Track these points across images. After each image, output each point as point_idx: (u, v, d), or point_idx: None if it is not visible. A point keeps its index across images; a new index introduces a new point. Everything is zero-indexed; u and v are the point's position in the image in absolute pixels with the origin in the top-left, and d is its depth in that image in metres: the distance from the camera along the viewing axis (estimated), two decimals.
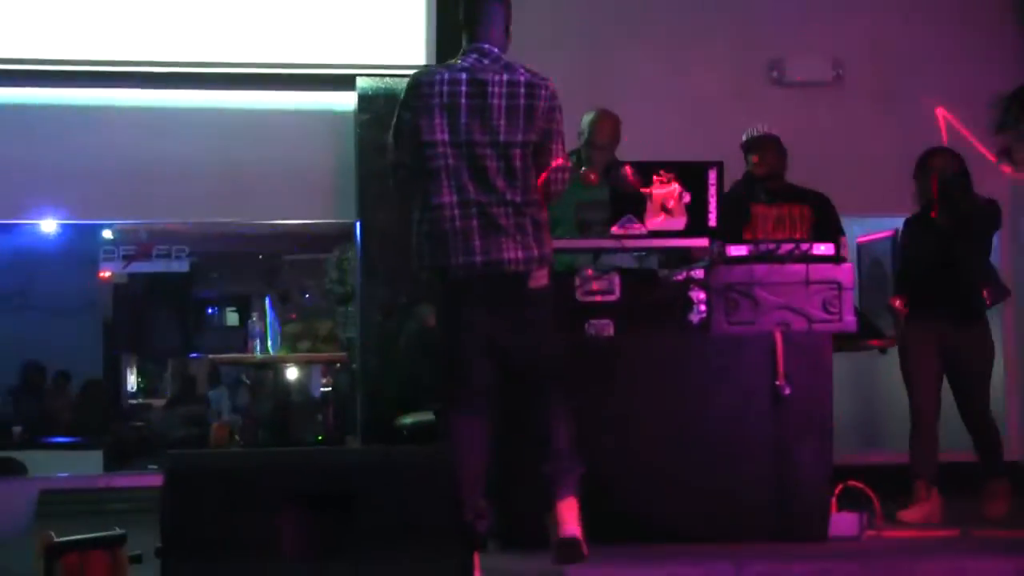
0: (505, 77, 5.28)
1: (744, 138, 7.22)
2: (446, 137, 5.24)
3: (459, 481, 4.43)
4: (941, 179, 6.90)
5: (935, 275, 6.97)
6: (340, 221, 8.77)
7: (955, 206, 6.85)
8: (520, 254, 5.23)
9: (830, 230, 6.74)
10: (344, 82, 8.50)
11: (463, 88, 5.24)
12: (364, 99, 8.48)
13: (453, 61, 5.40)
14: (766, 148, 7.15)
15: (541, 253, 5.30)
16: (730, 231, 6.15)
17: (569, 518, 5.28)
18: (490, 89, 5.25)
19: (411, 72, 7.94)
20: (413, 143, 5.33)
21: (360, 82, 8.48)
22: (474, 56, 5.33)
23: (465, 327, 5.34)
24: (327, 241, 10.92)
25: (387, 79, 8.44)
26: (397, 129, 5.44)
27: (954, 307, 6.93)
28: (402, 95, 5.45)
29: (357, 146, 8.52)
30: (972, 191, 7.00)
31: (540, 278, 5.31)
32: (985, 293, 6.92)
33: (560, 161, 5.38)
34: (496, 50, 5.34)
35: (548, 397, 5.38)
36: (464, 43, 5.42)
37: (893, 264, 6.94)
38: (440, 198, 5.24)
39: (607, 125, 6.74)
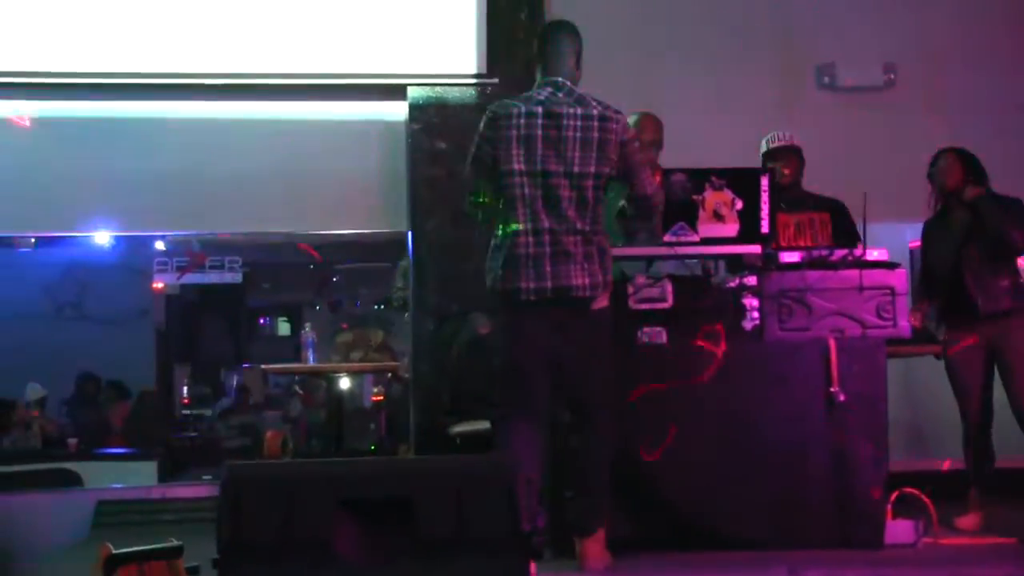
0: (579, 111, 5.45)
1: (765, 147, 7.10)
2: (523, 167, 5.43)
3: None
4: (976, 204, 6.80)
5: (958, 277, 6.90)
6: (392, 231, 8.77)
7: (991, 228, 6.76)
8: (586, 280, 5.42)
9: (847, 236, 6.67)
10: (396, 92, 8.55)
11: (539, 120, 5.42)
12: (415, 108, 8.53)
13: (529, 94, 5.55)
14: (791, 157, 7.06)
15: (605, 279, 5.48)
16: None
17: (592, 553, 5.44)
18: (565, 122, 5.42)
19: (462, 81, 8.38)
20: (492, 172, 5.49)
21: (412, 91, 8.54)
22: (549, 90, 5.50)
23: (528, 341, 5.49)
24: (379, 250, 11.00)
25: (438, 88, 8.54)
26: (476, 158, 5.56)
27: (985, 306, 6.84)
28: (481, 127, 5.57)
29: (409, 155, 8.55)
30: (1000, 210, 6.85)
31: (602, 300, 5.49)
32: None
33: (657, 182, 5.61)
34: (569, 83, 5.52)
35: (593, 424, 5.52)
36: (538, 76, 5.60)
37: None
38: (516, 224, 5.43)
39: (650, 124, 6.73)
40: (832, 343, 6.08)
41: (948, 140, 8.18)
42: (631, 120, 6.61)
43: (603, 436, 5.52)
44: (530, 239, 5.41)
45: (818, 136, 7.62)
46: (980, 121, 8.62)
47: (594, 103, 5.49)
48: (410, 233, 8.54)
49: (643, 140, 6.37)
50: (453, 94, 8.55)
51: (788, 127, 7.25)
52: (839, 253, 6.13)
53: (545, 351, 5.48)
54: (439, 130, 8.53)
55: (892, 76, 8.84)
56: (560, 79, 5.52)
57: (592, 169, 5.44)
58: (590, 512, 5.48)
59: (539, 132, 5.41)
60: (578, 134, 5.43)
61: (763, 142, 7.11)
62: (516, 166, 5.42)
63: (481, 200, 5.55)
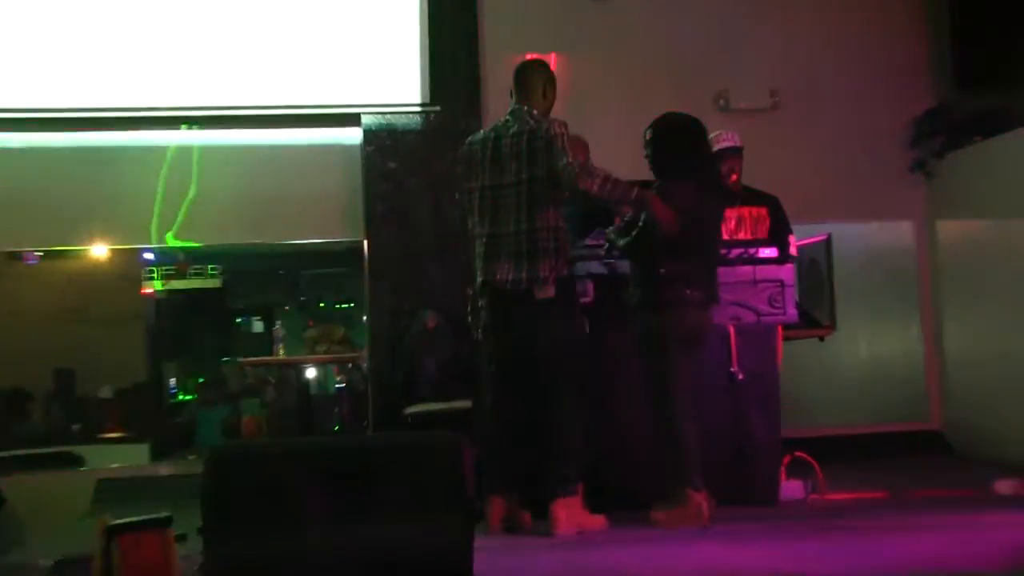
0: (515, 129, 5.53)
1: (715, 147, 6.55)
2: (477, 184, 5.60)
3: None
4: None
5: None
6: (350, 240, 8.69)
7: None
8: (524, 274, 5.40)
9: (782, 228, 6.66)
10: (351, 119, 8.56)
11: (490, 144, 5.58)
12: (369, 133, 8.54)
13: (499, 120, 5.69)
14: (737, 159, 6.77)
15: (546, 273, 5.39)
16: None
17: (561, 517, 5.31)
18: (504, 142, 5.54)
19: (408, 109, 8.44)
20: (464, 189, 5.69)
21: (365, 119, 8.54)
22: (507, 117, 5.62)
23: (492, 327, 5.56)
24: (339, 258, 10.83)
25: (388, 115, 8.54)
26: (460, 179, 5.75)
27: None
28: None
29: (364, 174, 8.52)
30: None
31: (547, 291, 5.39)
32: None
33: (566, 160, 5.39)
34: (525, 108, 5.57)
35: (551, 397, 5.43)
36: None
37: (828, 263, 6.81)
38: (475, 229, 5.62)
39: (578, 145, 6.31)
40: (731, 329, 6.11)
41: (823, 153, 8.51)
42: None
43: (561, 410, 5.41)
44: (484, 241, 5.54)
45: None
46: (850, 141, 8.74)
47: (531, 121, 5.51)
48: (365, 242, 8.50)
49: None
50: (401, 120, 8.56)
51: None
52: (735, 251, 6.10)
53: (501, 336, 5.53)
54: (390, 152, 8.53)
55: (776, 99, 8.81)
56: (518, 106, 5.59)
57: (525, 176, 5.46)
58: (555, 478, 5.35)
59: (489, 154, 5.56)
60: (515, 149, 5.49)
61: (714, 135, 6.59)
62: (474, 183, 5.61)
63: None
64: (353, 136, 8.62)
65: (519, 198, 5.44)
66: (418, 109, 8.54)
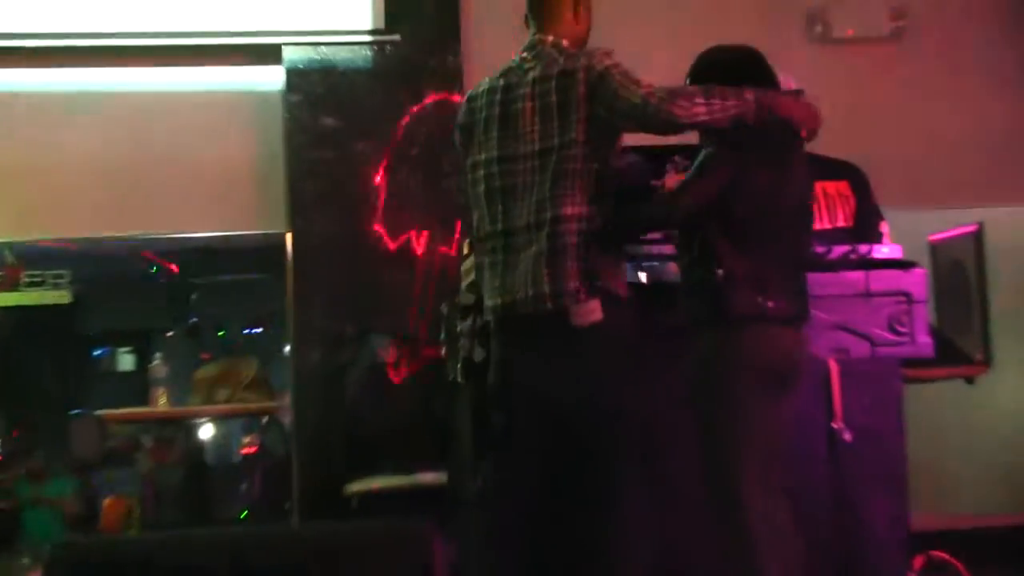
0: (538, 71, 5.38)
1: None
2: (481, 157, 5.50)
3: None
4: None
5: None
6: (266, 232, 8.77)
7: None
8: (547, 288, 5.21)
9: (872, 211, 6.69)
10: (267, 54, 8.57)
11: (498, 96, 5.45)
12: (294, 75, 8.58)
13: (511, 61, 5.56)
14: None
15: (581, 285, 5.20)
16: None
17: None
18: (520, 92, 5.40)
19: (352, 39, 8.47)
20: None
21: (288, 53, 8.56)
22: (523, 55, 5.49)
23: (502, 371, 5.42)
24: (250, 259, 11.09)
25: (322, 49, 8.57)
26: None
27: None
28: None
29: (286, 135, 8.58)
30: None
31: (588, 314, 5.19)
32: None
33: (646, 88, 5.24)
34: (550, 40, 5.43)
35: (598, 487, 5.25)
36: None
37: (978, 267, 6.81)
38: (480, 230, 5.51)
39: None
40: (833, 366, 6.05)
41: (970, 107, 8.55)
42: None
43: (613, 516, 5.23)
44: (492, 246, 5.43)
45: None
46: (1013, 88, 8.76)
47: (560, 58, 5.36)
48: (288, 236, 8.54)
49: None
50: (343, 56, 8.60)
51: None
52: (838, 249, 6.06)
53: (516, 386, 5.37)
54: (324, 102, 8.57)
55: (901, 23, 8.83)
56: (539, 37, 5.47)
57: (554, 141, 5.29)
58: None
59: (497, 111, 5.44)
60: (538, 102, 5.35)
61: None
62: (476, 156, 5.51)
63: None
64: (270, 80, 8.65)
65: (542, 174, 5.28)
66: (368, 38, 8.56)
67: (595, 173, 5.28)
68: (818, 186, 6.37)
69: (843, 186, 6.57)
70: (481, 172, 5.46)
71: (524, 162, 5.34)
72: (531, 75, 5.37)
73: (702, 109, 5.09)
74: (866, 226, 6.47)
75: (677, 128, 5.18)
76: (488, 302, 5.41)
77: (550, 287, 5.19)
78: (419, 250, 8.32)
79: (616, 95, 5.17)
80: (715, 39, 5.64)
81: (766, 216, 5.41)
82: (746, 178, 5.32)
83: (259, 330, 15.51)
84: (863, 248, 6.12)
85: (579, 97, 5.24)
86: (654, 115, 5.10)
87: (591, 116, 5.23)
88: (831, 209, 6.48)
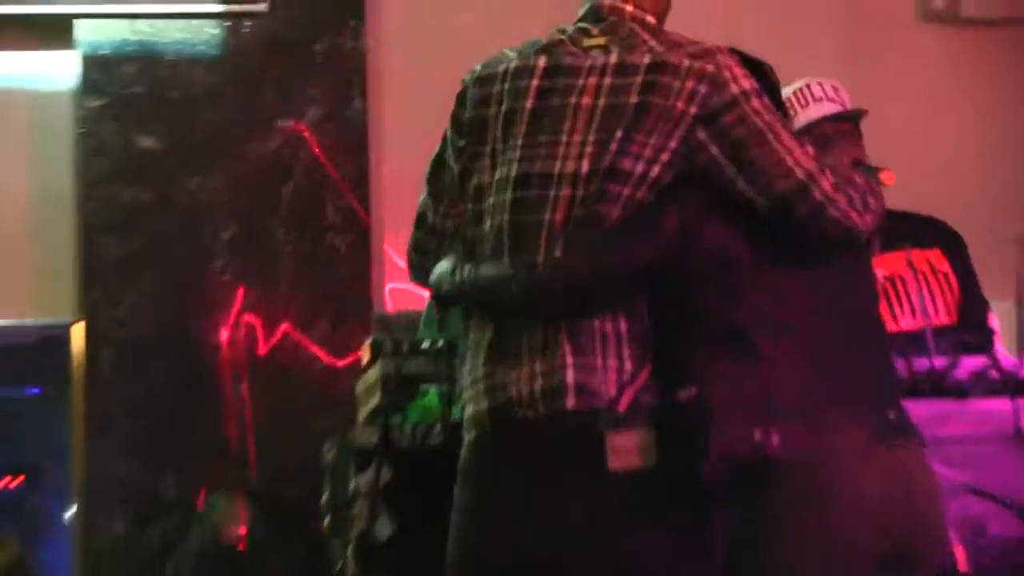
0: (616, 56, 4.64)
1: (816, 115, 6.12)
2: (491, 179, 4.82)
3: None
4: None
5: None
6: (42, 323, 8.44)
7: None
8: (569, 378, 4.40)
9: (975, 291, 6.30)
10: (52, 33, 8.32)
11: (537, 79, 4.76)
12: (92, 64, 8.26)
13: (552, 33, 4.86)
14: (850, 139, 6.17)
15: (624, 382, 4.36)
16: None
17: None
18: (573, 83, 4.68)
19: (187, 9, 8.41)
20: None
21: (82, 31, 8.25)
22: (580, 25, 4.80)
23: (481, 528, 4.59)
24: (17, 365, 10.91)
25: (140, 25, 8.27)
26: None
27: None
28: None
29: (78, 165, 8.22)
30: None
31: (632, 452, 4.30)
32: None
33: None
34: (630, 9, 4.73)
35: None
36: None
37: None
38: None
39: None
40: (960, 554, 5.01)
41: None
42: None
43: None
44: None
45: (915, 97, 8.16)
46: None
47: (651, 42, 4.58)
48: (78, 328, 8.11)
49: None
50: (173, 35, 8.30)
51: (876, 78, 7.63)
52: (970, 363, 5.33)
53: (515, 551, 4.42)
54: (141, 110, 8.20)
55: None
56: (613, 3, 4.68)
57: (603, 163, 4.47)
58: None
59: (528, 104, 4.62)
60: (602, 100, 4.52)
61: (792, 94, 6.10)
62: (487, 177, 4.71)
63: None
64: (54, 74, 8.44)
65: (571, 210, 4.46)
66: (217, 8, 8.26)
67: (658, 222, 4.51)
68: (901, 256, 6.11)
69: (935, 254, 6.21)
70: (490, 201, 4.61)
71: (558, 187, 4.49)
72: (600, 59, 4.62)
73: (874, 216, 4.47)
74: (972, 320, 6.12)
75: (852, 244, 4.51)
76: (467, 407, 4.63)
77: (575, 375, 4.41)
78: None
79: (757, 144, 4.41)
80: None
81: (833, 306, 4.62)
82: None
83: (22, 484, 14.95)
84: (1006, 362, 5.45)
85: (681, 113, 4.43)
86: (820, 212, 4.38)
87: (692, 148, 4.41)
88: (920, 293, 6.01)
